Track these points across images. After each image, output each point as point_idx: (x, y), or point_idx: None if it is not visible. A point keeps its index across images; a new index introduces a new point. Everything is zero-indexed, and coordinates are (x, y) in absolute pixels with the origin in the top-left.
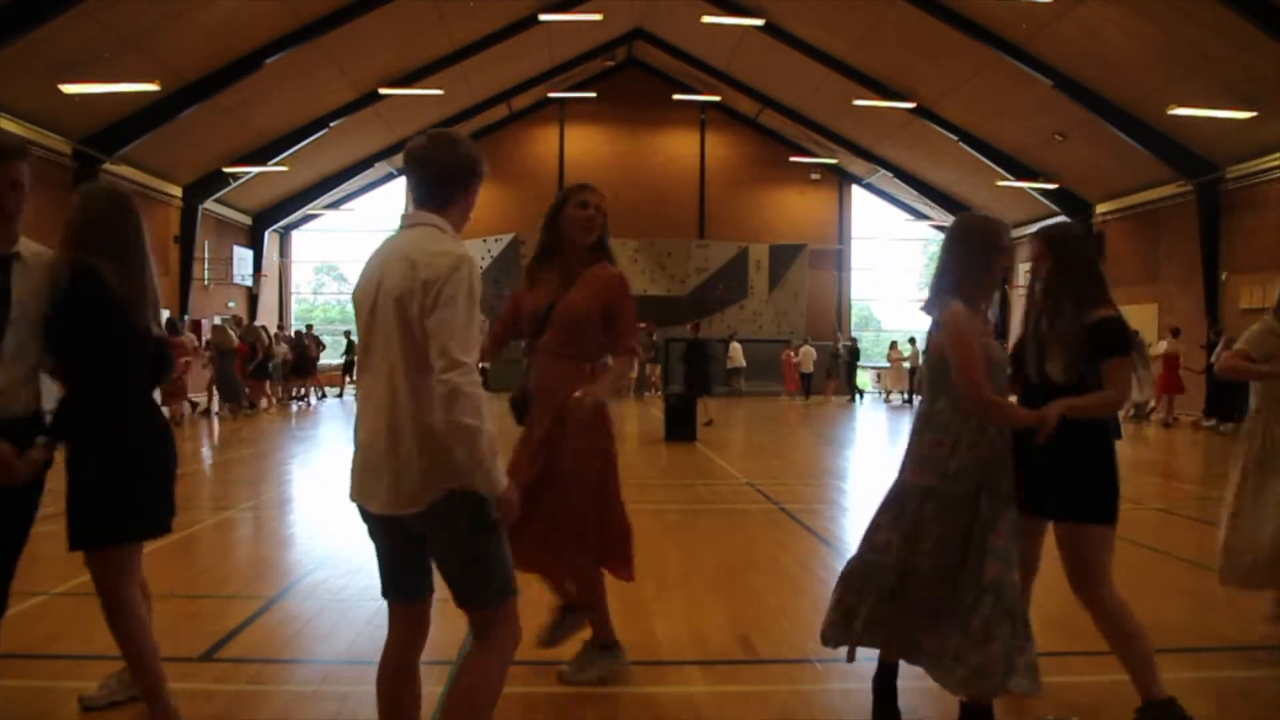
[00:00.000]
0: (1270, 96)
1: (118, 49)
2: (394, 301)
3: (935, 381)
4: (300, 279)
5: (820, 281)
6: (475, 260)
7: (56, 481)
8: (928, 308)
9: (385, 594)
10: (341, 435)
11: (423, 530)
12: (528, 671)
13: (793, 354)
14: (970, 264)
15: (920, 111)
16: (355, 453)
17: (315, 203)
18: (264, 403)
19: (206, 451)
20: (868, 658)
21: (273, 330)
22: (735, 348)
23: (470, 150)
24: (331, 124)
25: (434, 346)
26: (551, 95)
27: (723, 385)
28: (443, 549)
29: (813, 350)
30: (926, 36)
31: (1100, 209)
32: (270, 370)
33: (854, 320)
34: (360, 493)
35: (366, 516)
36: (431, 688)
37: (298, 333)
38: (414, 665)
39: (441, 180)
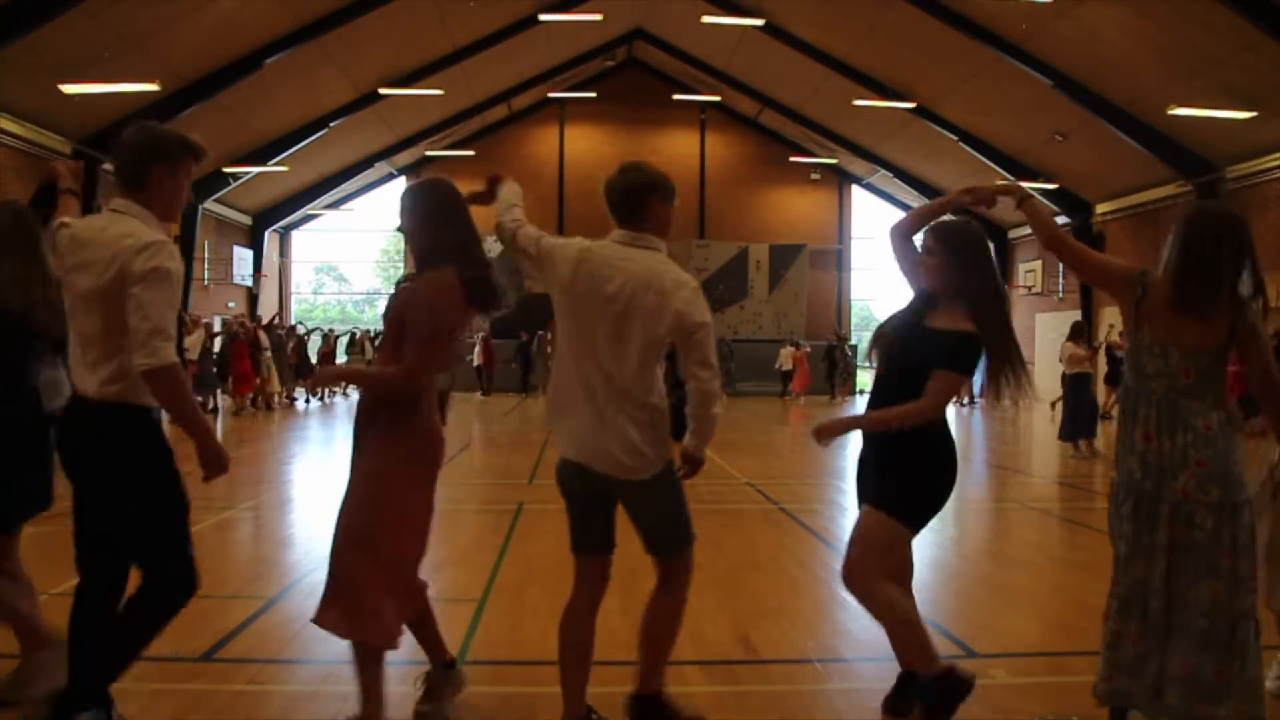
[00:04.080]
0: (1270, 96)
1: (118, 49)
2: (623, 301)
3: None
4: (300, 279)
5: (820, 281)
6: (694, 282)
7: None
8: None
9: (580, 548)
10: (341, 436)
11: (636, 493)
12: (528, 671)
13: (795, 350)
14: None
15: (920, 111)
16: (571, 420)
17: (315, 203)
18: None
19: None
20: (868, 657)
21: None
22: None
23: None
24: (331, 124)
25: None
26: (551, 95)
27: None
28: (655, 508)
29: (792, 350)
30: (926, 36)
31: (1100, 209)
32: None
33: (854, 320)
34: (585, 454)
35: (574, 478)
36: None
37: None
38: (596, 611)
39: (630, 200)
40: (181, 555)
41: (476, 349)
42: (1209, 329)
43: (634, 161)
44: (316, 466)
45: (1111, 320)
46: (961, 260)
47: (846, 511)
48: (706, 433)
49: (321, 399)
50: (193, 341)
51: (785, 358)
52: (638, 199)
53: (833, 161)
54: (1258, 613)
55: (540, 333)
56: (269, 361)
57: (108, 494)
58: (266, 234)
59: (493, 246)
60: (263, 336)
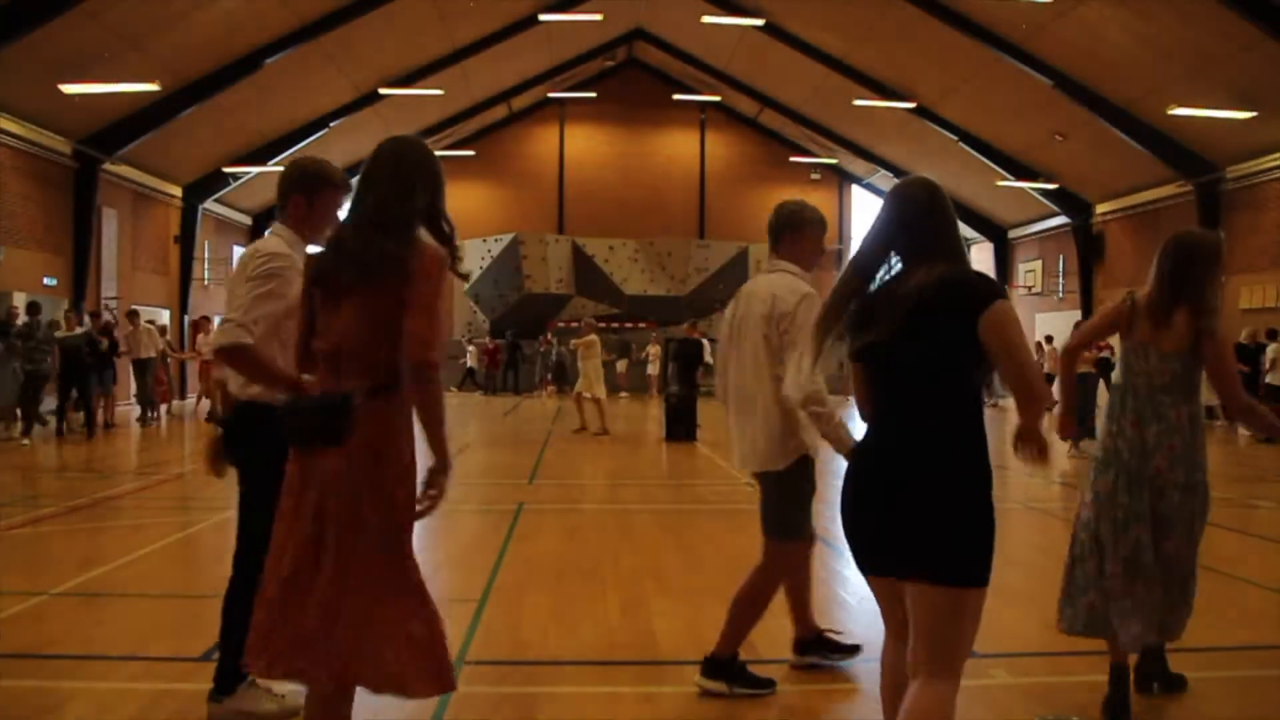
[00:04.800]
0: (1270, 96)
1: (118, 49)
2: (756, 318)
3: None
4: None
5: (820, 281)
6: (813, 295)
7: (55, 481)
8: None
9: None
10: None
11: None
12: (528, 671)
13: None
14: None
15: (920, 111)
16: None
17: None
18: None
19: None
20: (868, 658)
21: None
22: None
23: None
24: (331, 124)
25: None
26: (551, 95)
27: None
28: (779, 494)
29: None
30: (926, 36)
31: (1100, 209)
32: None
33: None
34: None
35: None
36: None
37: None
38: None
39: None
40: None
41: (471, 350)
42: (1178, 335)
43: (781, 201)
44: None
45: None
46: None
47: None
48: (815, 425)
49: None
50: (208, 343)
51: None
52: (773, 233)
53: (833, 161)
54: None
55: (542, 335)
56: None
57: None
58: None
59: (493, 247)
60: None
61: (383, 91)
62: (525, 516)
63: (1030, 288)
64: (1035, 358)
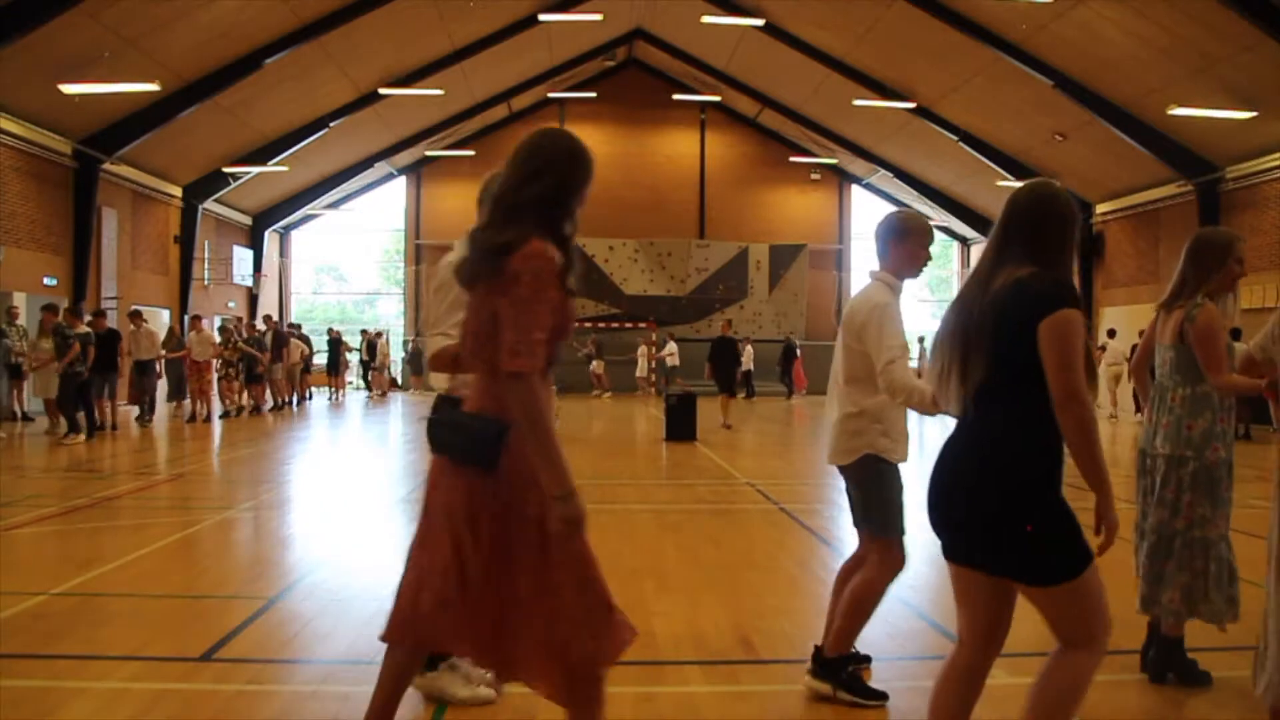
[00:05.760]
0: (1270, 96)
1: (118, 49)
2: (842, 328)
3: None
4: (300, 279)
5: (820, 281)
6: (886, 303)
7: (55, 481)
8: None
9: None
10: (340, 436)
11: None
12: None
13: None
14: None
15: (920, 111)
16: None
17: (315, 203)
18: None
19: (206, 451)
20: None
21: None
22: (672, 346)
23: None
24: (331, 124)
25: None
26: (551, 95)
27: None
28: (858, 490)
29: (751, 349)
30: (926, 36)
31: (1100, 209)
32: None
33: None
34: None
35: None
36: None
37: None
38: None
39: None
40: None
41: None
42: (1173, 326)
43: (890, 212)
44: (316, 467)
45: (1112, 322)
46: None
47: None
48: (915, 407)
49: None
50: (198, 342)
51: (746, 357)
52: (878, 241)
53: (833, 161)
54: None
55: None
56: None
57: None
58: (266, 234)
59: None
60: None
61: (383, 91)
62: None
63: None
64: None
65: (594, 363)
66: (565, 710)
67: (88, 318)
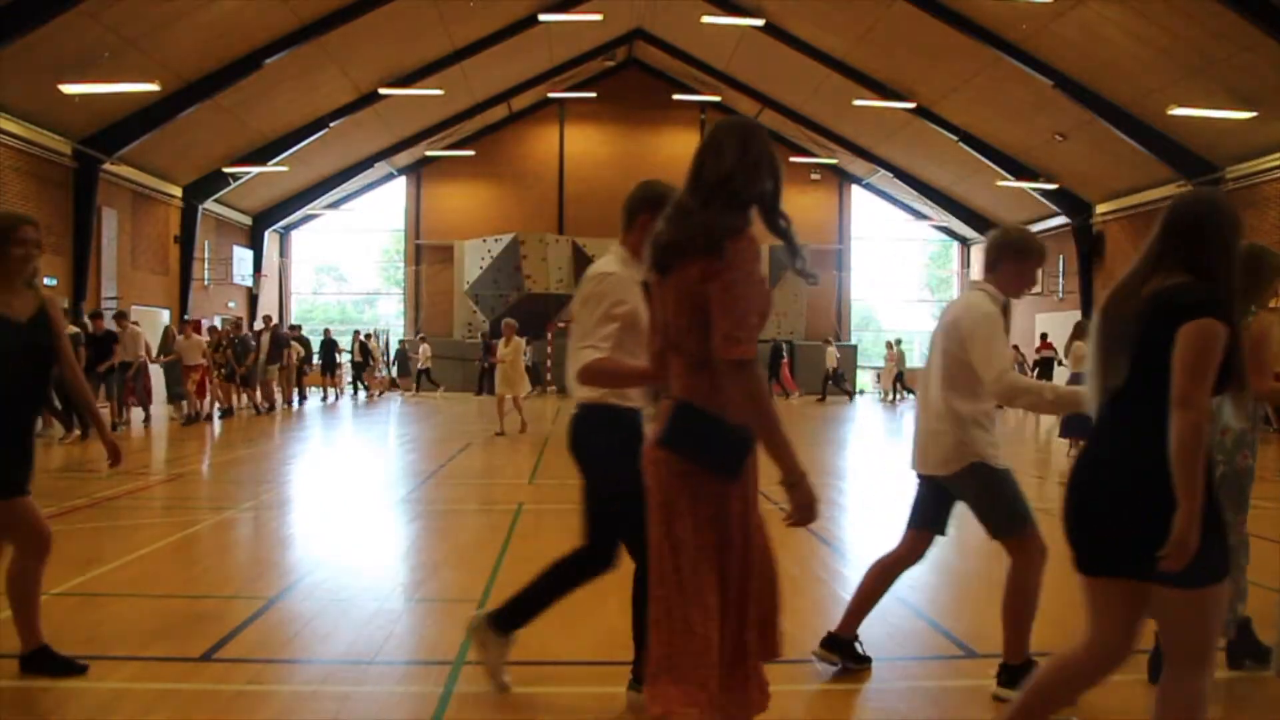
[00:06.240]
0: (1270, 96)
1: (118, 49)
2: (941, 335)
3: None
4: (300, 279)
5: (820, 281)
6: (994, 314)
7: (55, 481)
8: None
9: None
10: (340, 436)
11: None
12: (528, 671)
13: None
14: None
15: (920, 111)
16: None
17: (315, 203)
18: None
19: (206, 452)
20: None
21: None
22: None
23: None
24: (331, 124)
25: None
26: (551, 95)
27: None
28: (973, 498)
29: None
30: (926, 36)
31: (1100, 209)
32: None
33: (854, 320)
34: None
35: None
36: (431, 688)
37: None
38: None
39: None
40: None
41: (424, 350)
42: None
43: (1006, 225)
44: (316, 467)
45: None
46: None
47: (846, 511)
48: (1036, 410)
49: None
50: (187, 346)
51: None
52: (994, 254)
53: (833, 161)
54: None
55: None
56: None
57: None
58: (266, 234)
59: (493, 247)
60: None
61: (383, 91)
62: (525, 516)
63: (1030, 288)
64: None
65: None
66: None
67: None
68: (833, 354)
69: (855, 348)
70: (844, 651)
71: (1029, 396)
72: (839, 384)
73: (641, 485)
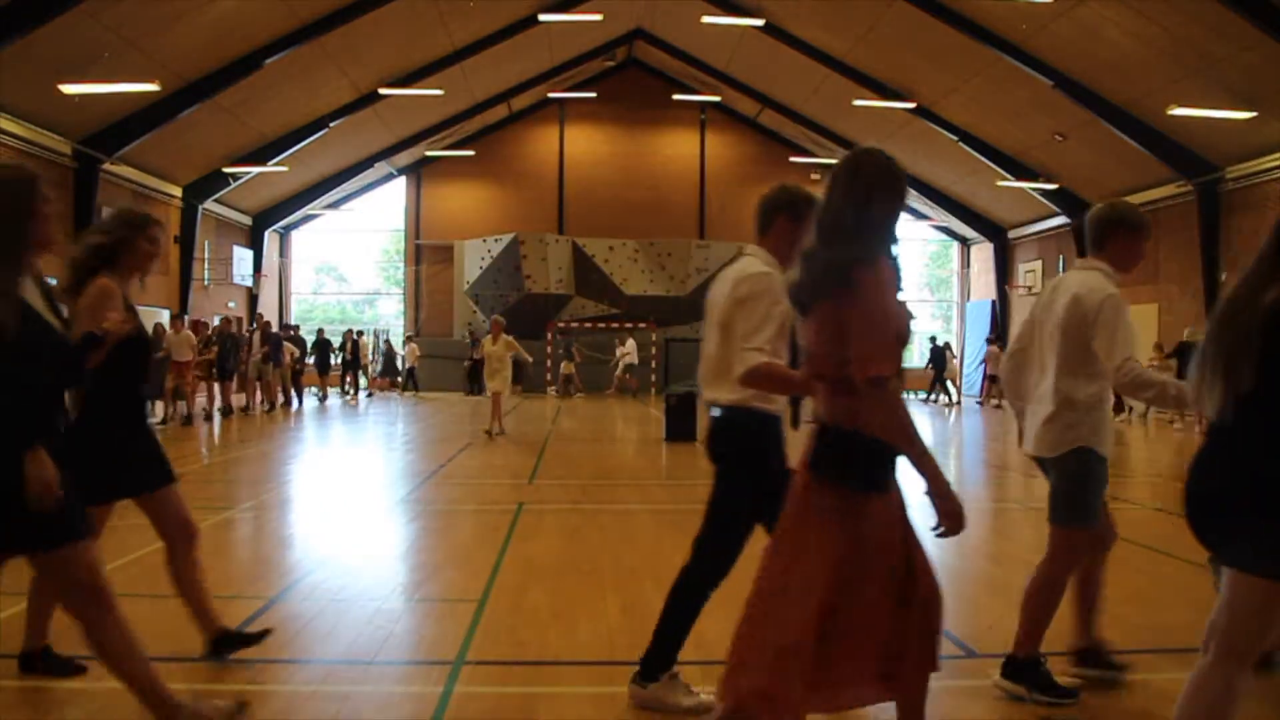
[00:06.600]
0: (1270, 96)
1: (118, 49)
2: (1063, 317)
3: None
4: (300, 279)
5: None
6: (1117, 295)
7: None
8: None
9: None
10: (339, 437)
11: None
12: (528, 671)
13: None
14: None
15: (920, 111)
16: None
17: (315, 203)
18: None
19: (206, 452)
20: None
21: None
22: (631, 344)
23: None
24: (331, 124)
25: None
26: (551, 95)
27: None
28: (1058, 480)
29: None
30: (926, 36)
31: None
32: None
33: None
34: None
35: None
36: (431, 688)
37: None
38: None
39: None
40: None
41: (410, 349)
42: None
43: (1111, 200)
44: (316, 466)
45: None
46: None
47: None
48: (1156, 404)
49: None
50: (176, 341)
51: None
52: (1101, 230)
53: (833, 161)
54: None
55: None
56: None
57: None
58: (266, 234)
59: (493, 247)
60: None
61: (383, 91)
62: (525, 516)
63: (1030, 288)
64: None
65: (564, 364)
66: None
67: None
68: None
69: None
70: (1099, 661)
71: (1152, 390)
72: None
73: (765, 491)
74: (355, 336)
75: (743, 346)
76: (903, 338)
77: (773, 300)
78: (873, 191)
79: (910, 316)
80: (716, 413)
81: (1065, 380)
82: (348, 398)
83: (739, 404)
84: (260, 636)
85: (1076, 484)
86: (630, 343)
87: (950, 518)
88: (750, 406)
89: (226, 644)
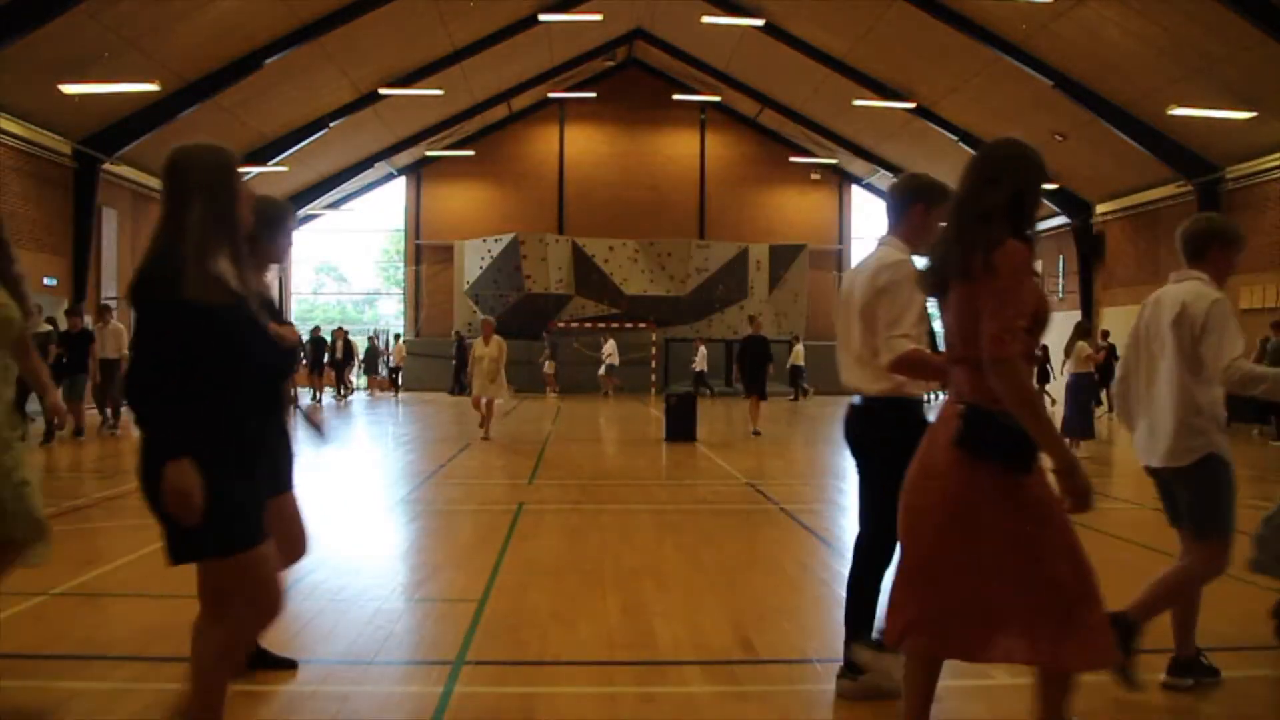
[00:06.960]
0: (1270, 96)
1: (118, 49)
2: (1173, 325)
3: None
4: (300, 279)
5: (820, 281)
6: (1224, 299)
7: (55, 481)
8: None
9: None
10: (342, 435)
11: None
12: (528, 671)
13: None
14: None
15: (920, 111)
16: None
17: (315, 203)
18: None
19: None
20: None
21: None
22: (611, 345)
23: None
24: (331, 124)
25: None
26: (551, 95)
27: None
28: (1192, 493)
29: (801, 347)
30: (926, 36)
31: (1100, 209)
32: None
33: None
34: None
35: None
36: (431, 688)
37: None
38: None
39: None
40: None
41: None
42: None
43: (1206, 214)
44: (315, 466)
45: (1111, 323)
46: None
47: (846, 511)
48: (1272, 394)
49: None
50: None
51: (701, 359)
52: (1197, 243)
53: (833, 161)
54: None
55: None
56: None
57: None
58: None
59: (493, 247)
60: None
61: (383, 91)
62: (525, 516)
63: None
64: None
65: (546, 364)
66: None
67: (87, 317)
68: (799, 352)
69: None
70: (1195, 670)
71: (1266, 383)
72: (795, 381)
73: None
74: (346, 335)
75: (889, 334)
76: (1040, 319)
77: (913, 287)
78: (1001, 180)
79: (1047, 300)
80: (858, 401)
81: (1185, 390)
82: (337, 398)
83: (888, 394)
84: (290, 664)
85: (1211, 493)
86: (610, 344)
87: (1077, 495)
88: (900, 396)
89: (259, 661)
